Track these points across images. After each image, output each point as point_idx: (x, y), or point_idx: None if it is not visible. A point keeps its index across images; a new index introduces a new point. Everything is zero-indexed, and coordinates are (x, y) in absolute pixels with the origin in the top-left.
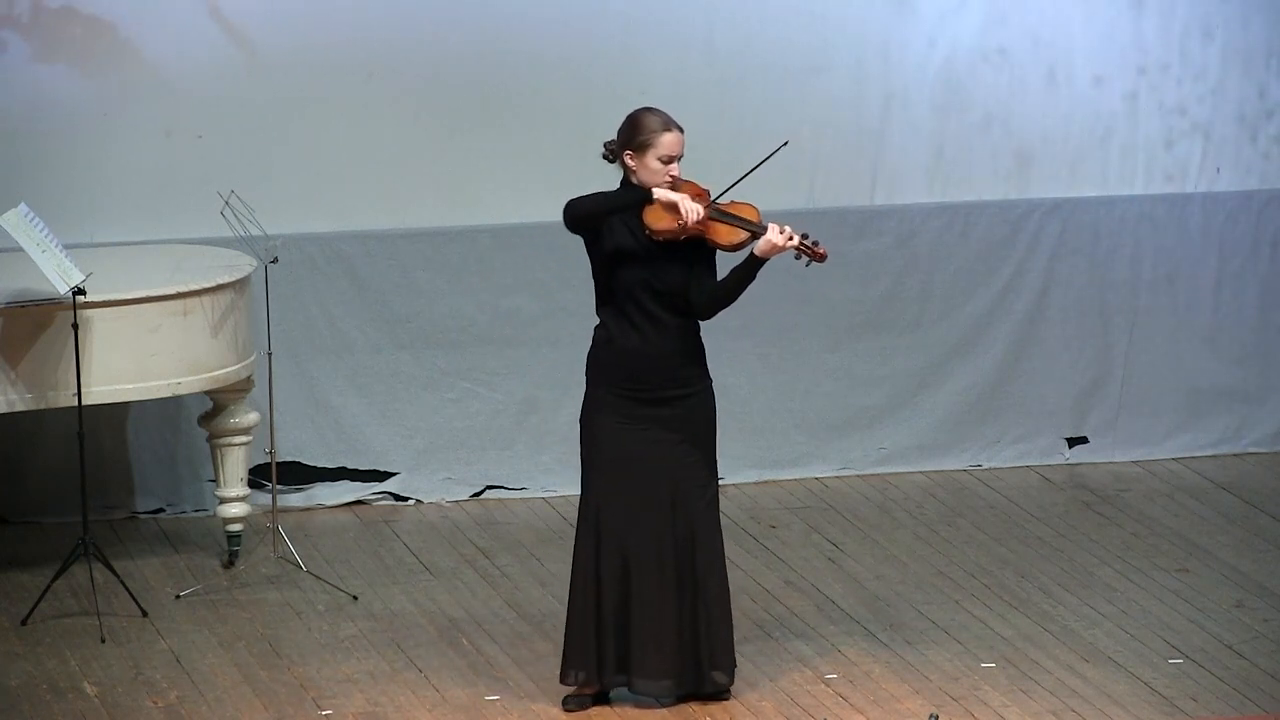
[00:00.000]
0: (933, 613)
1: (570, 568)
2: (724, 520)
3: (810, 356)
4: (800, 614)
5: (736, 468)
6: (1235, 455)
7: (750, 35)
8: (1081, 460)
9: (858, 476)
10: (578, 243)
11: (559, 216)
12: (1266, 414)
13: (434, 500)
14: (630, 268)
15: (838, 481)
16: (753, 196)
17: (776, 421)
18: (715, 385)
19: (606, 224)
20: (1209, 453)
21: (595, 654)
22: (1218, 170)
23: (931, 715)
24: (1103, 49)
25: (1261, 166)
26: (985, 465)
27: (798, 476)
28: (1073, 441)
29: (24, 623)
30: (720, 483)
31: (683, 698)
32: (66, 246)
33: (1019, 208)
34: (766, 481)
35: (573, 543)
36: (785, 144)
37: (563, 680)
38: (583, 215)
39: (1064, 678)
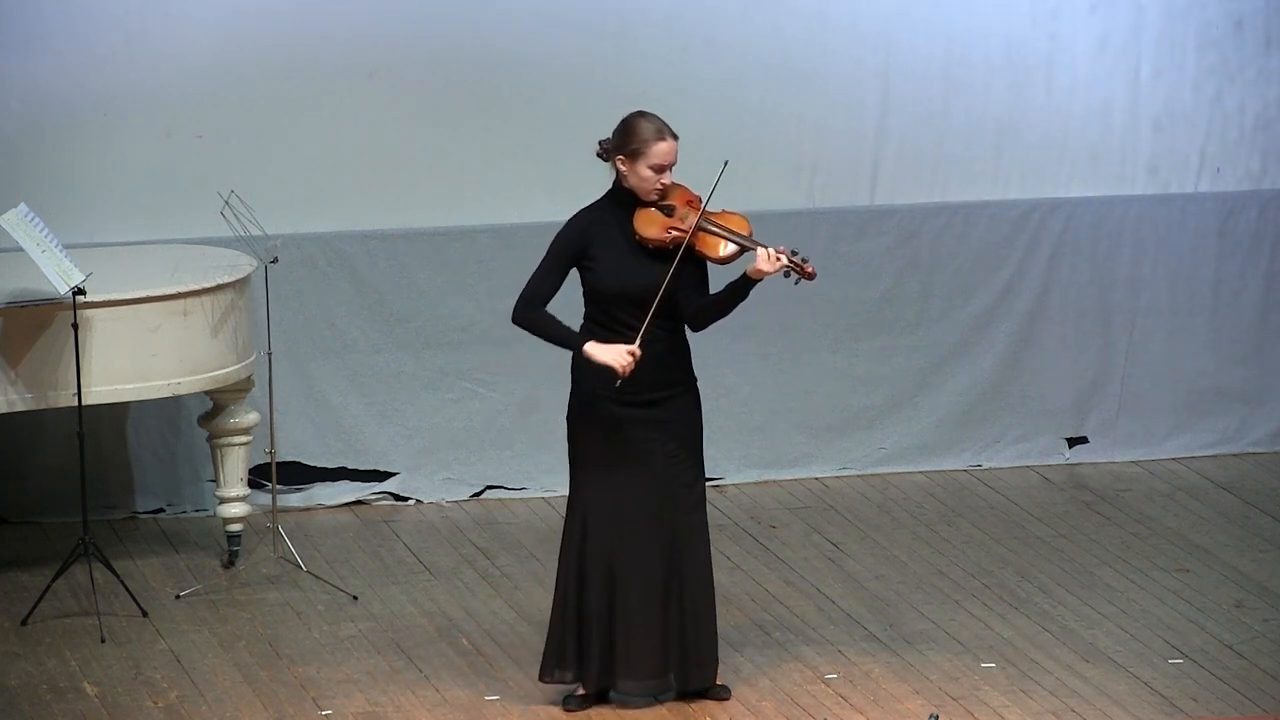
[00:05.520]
0: (933, 613)
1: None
2: (724, 520)
3: (810, 356)
4: (800, 614)
5: (736, 468)
6: (1235, 455)
7: (750, 35)
8: (1081, 460)
9: (858, 476)
10: None
11: (559, 216)
12: (1266, 414)
13: (434, 500)
14: (620, 274)
15: (838, 481)
16: (753, 197)
17: (776, 421)
18: (716, 385)
19: (598, 235)
20: (1209, 453)
21: (575, 654)
22: (1218, 170)
23: (932, 715)
24: (1103, 49)
25: (1261, 166)
26: (985, 465)
27: (798, 476)
28: (1073, 441)
29: (24, 623)
30: (720, 483)
31: (677, 696)
32: (66, 246)
33: (1019, 208)
34: (766, 481)
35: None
36: (726, 163)
37: (541, 678)
38: (525, 327)
39: (1064, 678)
